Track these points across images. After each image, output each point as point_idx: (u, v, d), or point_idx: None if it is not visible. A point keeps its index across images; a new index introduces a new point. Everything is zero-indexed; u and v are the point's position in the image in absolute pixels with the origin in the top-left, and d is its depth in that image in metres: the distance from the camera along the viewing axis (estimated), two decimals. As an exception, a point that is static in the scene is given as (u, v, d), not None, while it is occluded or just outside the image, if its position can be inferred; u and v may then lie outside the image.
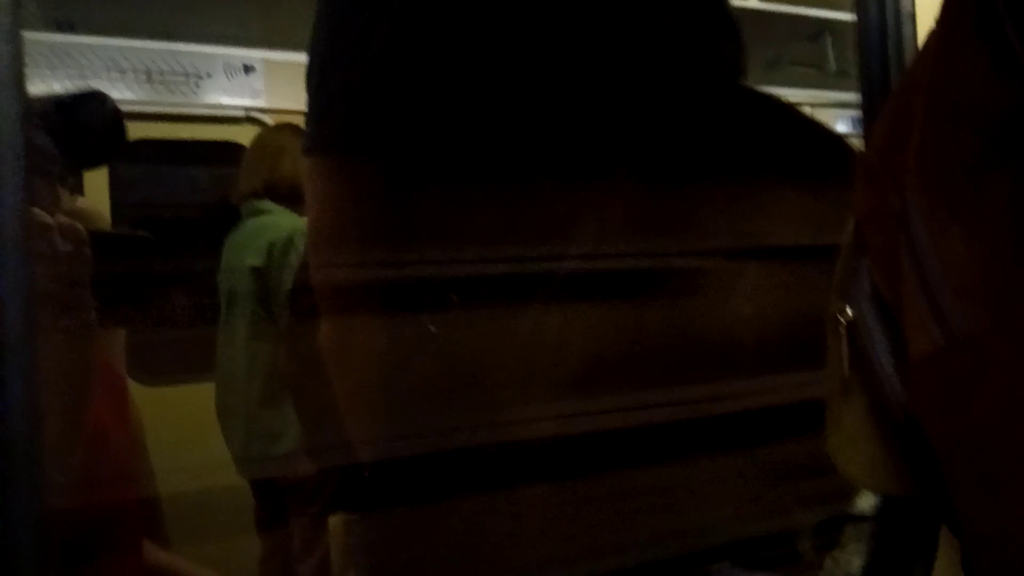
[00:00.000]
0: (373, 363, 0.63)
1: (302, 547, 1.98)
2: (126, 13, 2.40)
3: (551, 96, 0.59)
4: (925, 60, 0.45)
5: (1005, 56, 0.37)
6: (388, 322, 0.61)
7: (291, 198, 2.04)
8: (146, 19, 2.49)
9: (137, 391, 2.04)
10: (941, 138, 0.41)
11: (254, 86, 2.69)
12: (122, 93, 2.50)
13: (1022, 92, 0.37)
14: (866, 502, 0.64)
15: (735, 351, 0.61)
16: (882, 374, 0.47)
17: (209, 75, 2.65)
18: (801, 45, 2.84)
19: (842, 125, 2.71)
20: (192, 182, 2.91)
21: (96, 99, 0.92)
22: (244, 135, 2.38)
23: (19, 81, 0.41)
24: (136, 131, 2.60)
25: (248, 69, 2.68)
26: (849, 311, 0.49)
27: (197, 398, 2.14)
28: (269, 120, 2.59)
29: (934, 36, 0.44)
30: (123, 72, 2.51)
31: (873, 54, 0.79)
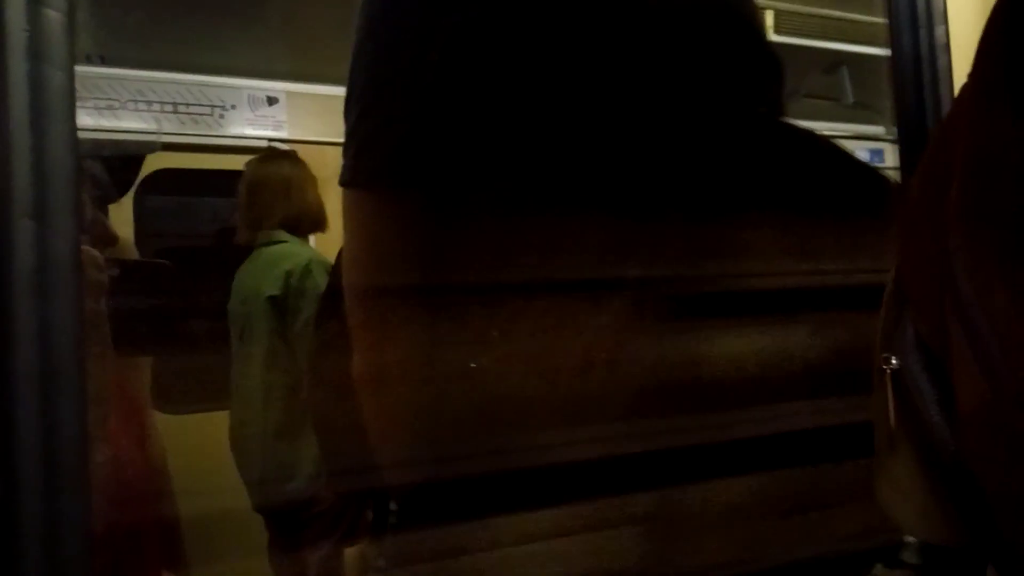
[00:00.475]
0: (410, 394, 0.62)
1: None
2: (155, 47, 2.44)
3: (597, 128, 0.59)
4: (961, 110, 0.44)
5: None
6: (427, 353, 0.60)
7: (300, 228, 2.05)
8: (173, 53, 2.53)
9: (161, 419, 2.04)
10: (982, 192, 0.40)
11: (277, 117, 2.72)
12: (149, 124, 2.54)
13: None
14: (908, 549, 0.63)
15: (775, 382, 0.60)
16: (930, 424, 0.46)
17: (234, 107, 2.68)
18: (818, 77, 2.84)
19: (860, 157, 2.70)
20: (216, 211, 2.93)
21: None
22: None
23: (72, 111, 0.41)
24: (162, 161, 2.64)
25: (271, 101, 2.72)
26: (894, 361, 0.48)
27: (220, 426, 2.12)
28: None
29: (969, 88, 0.43)
30: (150, 104, 2.54)
31: (908, 85, 0.79)
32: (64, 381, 0.40)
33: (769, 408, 0.57)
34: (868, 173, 0.74)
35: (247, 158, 2.15)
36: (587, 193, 0.57)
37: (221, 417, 2.07)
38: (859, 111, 2.92)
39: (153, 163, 2.63)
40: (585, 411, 0.57)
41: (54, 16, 0.41)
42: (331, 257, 2.00)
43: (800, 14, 2.58)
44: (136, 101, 2.51)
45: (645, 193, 0.59)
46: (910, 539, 0.59)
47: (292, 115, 2.73)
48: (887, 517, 0.52)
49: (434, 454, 0.61)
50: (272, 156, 2.20)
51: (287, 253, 1.99)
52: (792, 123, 0.70)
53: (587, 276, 0.58)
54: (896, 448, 0.49)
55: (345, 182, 0.64)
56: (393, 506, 0.81)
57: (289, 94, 2.71)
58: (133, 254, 1.85)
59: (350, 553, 1.90)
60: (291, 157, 2.19)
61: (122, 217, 2.50)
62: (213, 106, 2.66)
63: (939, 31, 0.77)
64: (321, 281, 1.93)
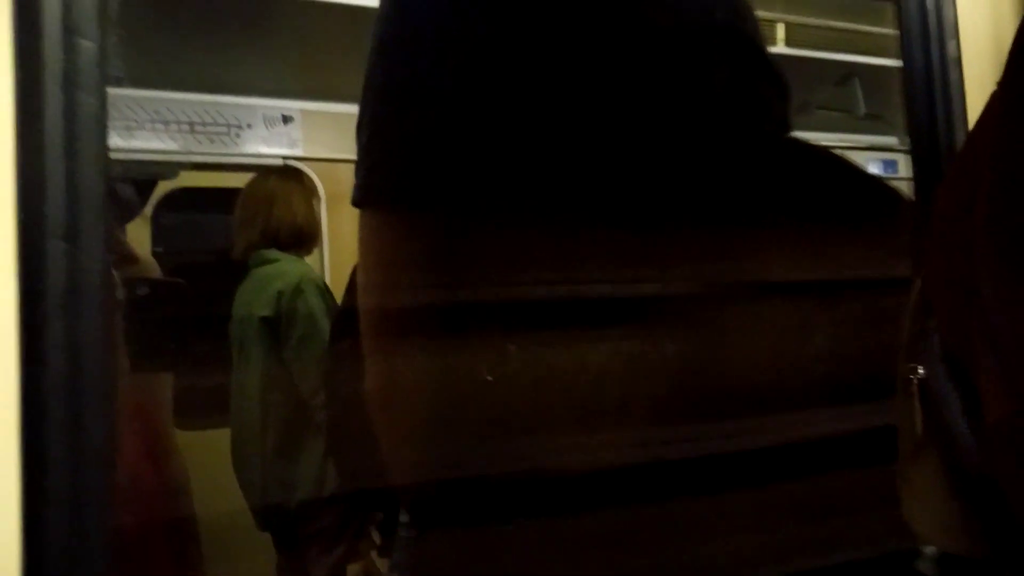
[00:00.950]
0: (425, 409, 0.62)
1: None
2: (171, 67, 2.48)
3: (612, 147, 0.60)
4: (988, 124, 0.44)
5: None
6: (442, 368, 0.61)
7: (294, 244, 2.05)
8: (190, 73, 2.56)
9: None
10: (1010, 203, 0.40)
11: (292, 136, 2.74)
12: (166, 143, 2.57)
13: None
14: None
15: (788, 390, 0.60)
16: (955, 433, 0.46)
17: (249, 126, 2.71)
18: (829, 89, 2.83)
19: (872, 169, 2.69)
20: (231, 229, 2.96)
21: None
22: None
23: (103, 136, 0.42)
24: (179, 180, 2.66)
25: (286, 119, 2.74)
26: (920, 370, 0.48)
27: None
28: (306, 168, 2.64)
29: (997, 101, 0.43)
30: (167, 123, 2.58)
31: (920, 99, 0.79)
32: (93, 397, 0.40)
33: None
34: (879, 187, 0.74)
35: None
36: (598, 210, 0.58)
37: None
38: (872, 122, 2.91)
39: (170, 182, 2.66)
40: (602, 421, 0.57)
41: (87, 45, 0.43)
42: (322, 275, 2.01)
43: (811, 26, 2.59)
44: (154, 121, 2.55)
45: (656, 210, 0.59)
46: (927, 550, 0.59)
47: (307, 133, 2.75)
48: (907, 526, 0.52)
49: (450, 467, 0.61)
50: (265, 172, 2.19)
51: (279, 272, 1.98)
52: (800, 139, 0.70)
53: (602, 290, 0.58)
54: (920, 457, 0.49)
55: (357, 201, 0.64)
56: (404, 518, 0.81)
57: (304, 112, 2.74)
58: (156, 272, 1.86)
59: (353, 570, 1.89)
60: (282, 172, 2.18)
61: (139, 235, 2.53)
62: (229, 125, 2.69)
63: (950, 45, 0.78)
64: (313, 300, 1.92)
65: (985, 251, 0.41)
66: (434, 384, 0.60)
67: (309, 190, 2.12)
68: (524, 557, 0.57)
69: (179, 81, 2.58)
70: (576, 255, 0.57)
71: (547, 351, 0.57)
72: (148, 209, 2.64)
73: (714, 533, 0.56)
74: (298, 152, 2.73)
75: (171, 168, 2.54)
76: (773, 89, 0.67)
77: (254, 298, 1.97)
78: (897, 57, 0.83)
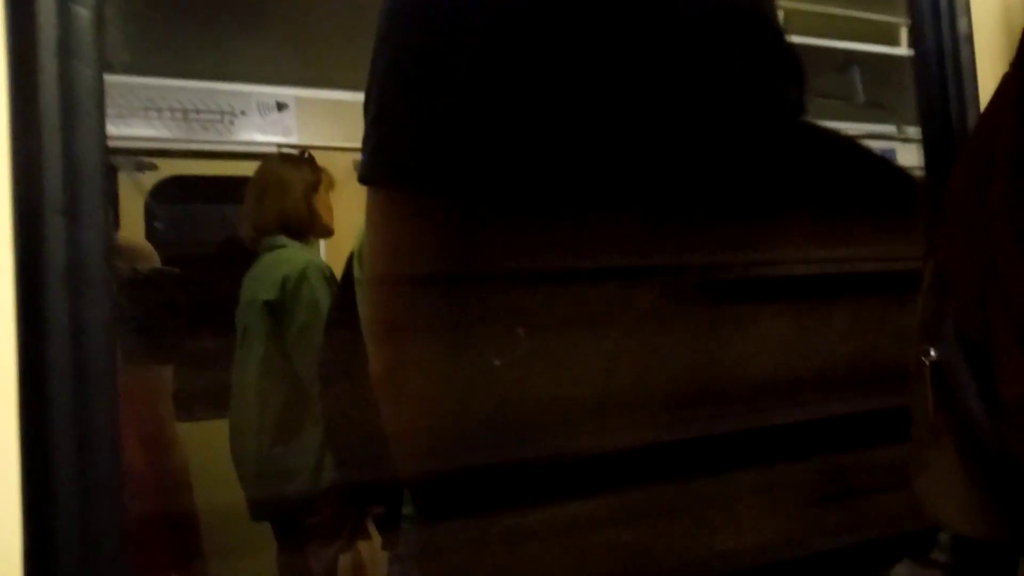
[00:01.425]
0: (433, 397, 0.62)
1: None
2: (164, 54, 2.45)
3: (625, 131, 0.59)
4: (1004, 99, 0.44)
5: None
6: (450, 354, 0.60)
7: (302, 231, 2.04)
8: (182, 59, 2.54)
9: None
10: None
11: (287, 123, 2.72)
12: (159, 131, 2.55)
13: None
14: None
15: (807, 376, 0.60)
16: (971, 414, 0.46)
17: (243, 113, 2.69)
18: (829, 77, 2.82)
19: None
20: (227, 218, 2.94)
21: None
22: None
23: (101, 107, 0.41)
24: (173, 168, 2.64)
25: (281, 106, 2.72)
26: (933, 353, 0.47)
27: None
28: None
29: (1013, 80, 0.43)
30: (160, 111, 2.56)
31: (931, 78, 0.78)
32: (96, 375, 0.40)
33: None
34: (891, 171, 0.74)
35: (256, 165, 2.15)
36: (611, 195, 0.57)
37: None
38: (871, 111, 2.91)
39: (164, 170, 2.64)
40: (613, 407, 0.57)
41: (84, 14, 0.42)
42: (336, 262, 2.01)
43: (810, 13, 2.58)
44: (147, 108, 2.52)
45: (669, 193, 0.58)
46: (941, 534, 0.58)
47: (302, 121, 2.73)
48: (921, 510, 0.51)
49: (459, 454, 0.60)
50: (274, 158, 2.18)
51: (285, 258, 1.98)
52: (813, 124, 0.70)
53: (611, 271, 0.57)
54: (936, 441, 0.48)
55: (363, 178, 0.63)
56: (408, 509, 0.80)
57: (299, 99, 2.72)
58: (155, 260, 1.84)
59: (350, 560, 1.89)
60: (292, 159, 2.18)
61: (133, 225, 2.51)
62: (222, 112, 2.67)
63: (961, 23, 0.77)
64: (318, 287, 1.92)
65: (1003, 228, 0.41)
66: (443, 368, 0.59)
67: (320, 177, 2.10)
68: (531, 546, 0.56)
69: (171, 67, 2.55)
70: (588, 241, 0.56)
71: (557, 336, 0.56)
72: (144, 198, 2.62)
73: (726, 517, 0.56)
74: (293, 139, 2.71)
75: (148, 164, 2.52)
76: (789, 74, 0.67)
77: (259, 283, 1.97)
78: (896, 44, 0.82)
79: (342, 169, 2.31)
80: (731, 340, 0.57)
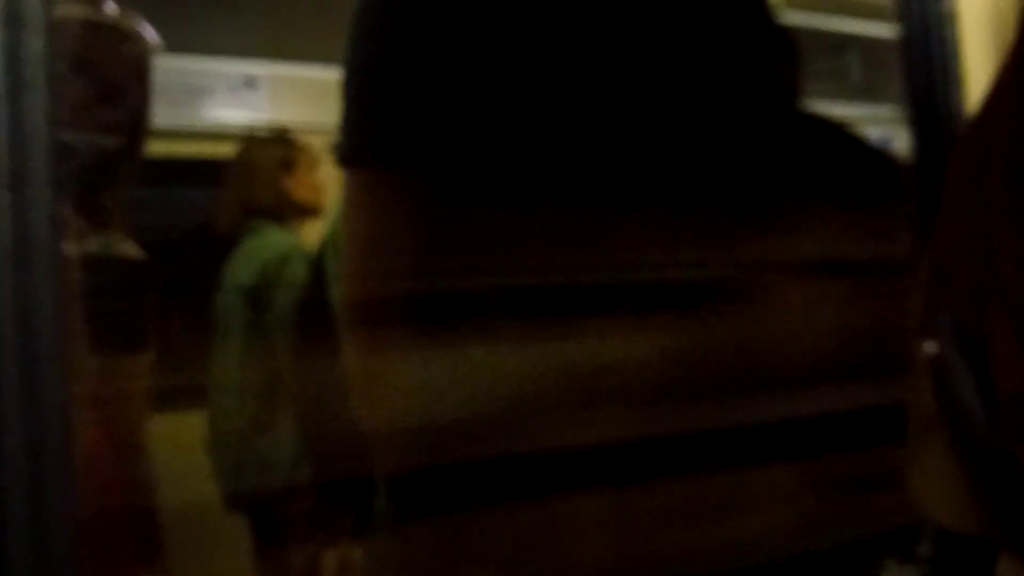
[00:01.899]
0: (408, 388, 0.62)
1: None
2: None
3: (616, 120, 0.59)
4: (1002, 91, 0.44)
5: None
6: (428, 344, 0.60)
7: (278, 215, 2.03)
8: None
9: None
10: None
11: (257, 101, 2.69)
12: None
13: None
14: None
15: (785, 365, 0.61)
16: (968, 411, 0.46)
17: (210, 90, 2.66)
18: (824, 59, 2.85)
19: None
20: (194, 202, 2.91)
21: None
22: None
23: (49, 79, 0.41)
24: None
25: (250, 83, 2.69)
26: (931, 347, 0.48)
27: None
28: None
29: (1011, 68, 0.43)
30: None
31: (917, 58, 0.80)
32: (45, 354, 0.40)
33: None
34: (879, 158, 0.75)
35: (227, 145, 2.13)
36: (601, 180, 0.57)
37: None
38: (866, 92, 2.94)
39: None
40: (596, 406, 0.57)
41: (31, -20, 0.40)
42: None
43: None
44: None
45: (653, 182, 0.59)
46: (927, 531, 0.60)
47: (273, 98, 2.70)
48: (913, 506, 0.52)
49: (436, 451, 0.60)
50: (255, 140, 2.17)
51: (267, 243, 1.98)
52: (803, 109, 0.70)
53: (597, 263, 0.58)
54: (931, 436, 0.49)
55: (342, 160, 0.63)
56: (382, 506, 0.80)
57: (270, 76, 2.69)
58: (132, 246, 1.82)
59: (331, 555, 1.89)
60: (271, 141, 2.16)
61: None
62: (187, 89, 2.63)
63: (946, 1, 0.78)
64: (300, 272, 1.92)
65: (1002, 220, 0.41)
66: (419, 360, 0.59)
67: (295, 157, 2.09)
68: (507, 542, 0.57)
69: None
70: (572, 234, 0.56)
71: (542, 333, 0.56)
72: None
73: (712, 514, 0.57)
74: (264, 118, 2.68)
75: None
76: (782, 56, 0.67)
77: (240, 268, 1.97)
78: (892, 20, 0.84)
79: (318, 150, 2.29)
80: (709, 331, 0.58)
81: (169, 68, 2.62)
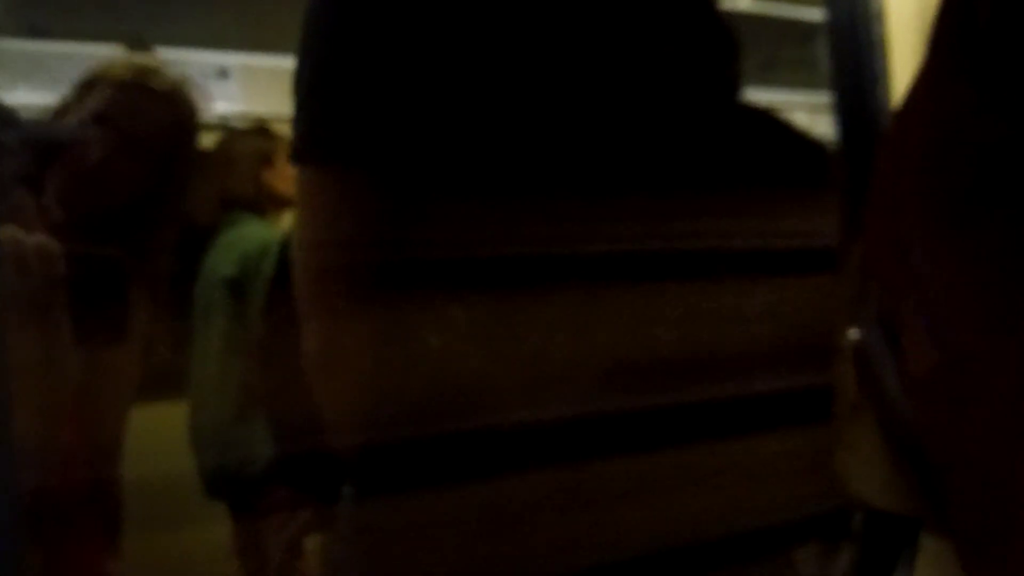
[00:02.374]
0: (367, 377, 0.64)
1: (279, 572, 1.96)
2: (88, 16, 2.39)
3: (557, 109, 0.61)
4: (919, 92, 0.47)
5: (990, 92, 0.40)
6: (384, 333, 0.62)
7: (260, 206, 2.03)
8: (109, 22, 2.48)
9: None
10: (937, 169, 0.44)
11: (229, 92, 2.68)
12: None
13: (1006, 127, 0.39)
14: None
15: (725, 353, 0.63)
16: (889, 395, 0.49)
17: (181, 80, 2.62)
18: (794, 47, 2.87)
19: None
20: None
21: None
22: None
23: None
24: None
25: (222, 74, 2.67)
26: (855, 333, 0.51)
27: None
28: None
29: (926, 71, 0.46)
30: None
31: (845, 52, 0.82)
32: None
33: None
34: (806, 144, 0.77)
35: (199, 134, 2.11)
36: (546, 173, 0.59)
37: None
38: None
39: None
40: (547, 384, 0.59)
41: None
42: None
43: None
44: (71, 78, 2.46)
45: (596, 170, 0.60)
46: (855, 512, 0.63)
47: (246, 89, 2.69)
48: (841, 486, 0.55)
49: (395, 429, 0.62)
50: (231, 132, 2.17)
51: (247, 235, 1.98)
52: (732, 98, 0.72)
53: (546, 253, 0.60)
54: (857, 419, 0.52)
55: (296, 157, 0.64)
56: (348, 490, 0.82)
57: (242, 67, 2.67)
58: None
59: (310, 544, 1.91)
60: (247, 133, 2.16)
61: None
62: (160, 79, 2.60)
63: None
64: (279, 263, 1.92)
65: (916, 212, 0.44)
66: (374, 346, 0.61)
67: (274, 148, 2.08)
68: (470, 522, 0.59)
69: (98, 32, 2.49)
70: (521, 218, 0.58)
71: (493, 314, 0.58)
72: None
73: (655, 493, 0.59)
74: (237, 109, 2.66)
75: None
76: (721, 47, 0.69)
77: (220, 259, 1.97)
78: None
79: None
80: (648, 316, 0.60)
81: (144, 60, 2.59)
